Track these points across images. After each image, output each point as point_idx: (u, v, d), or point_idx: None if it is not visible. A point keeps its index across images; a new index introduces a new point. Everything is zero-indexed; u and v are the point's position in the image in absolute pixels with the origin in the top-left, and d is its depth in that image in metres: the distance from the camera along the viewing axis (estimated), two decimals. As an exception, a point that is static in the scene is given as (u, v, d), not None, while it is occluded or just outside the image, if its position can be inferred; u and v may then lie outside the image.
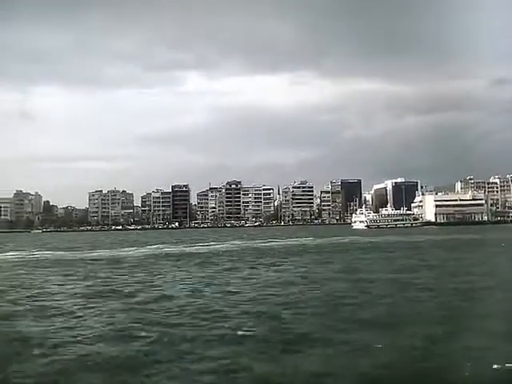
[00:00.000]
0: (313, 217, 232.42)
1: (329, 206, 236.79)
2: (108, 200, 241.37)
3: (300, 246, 59.21)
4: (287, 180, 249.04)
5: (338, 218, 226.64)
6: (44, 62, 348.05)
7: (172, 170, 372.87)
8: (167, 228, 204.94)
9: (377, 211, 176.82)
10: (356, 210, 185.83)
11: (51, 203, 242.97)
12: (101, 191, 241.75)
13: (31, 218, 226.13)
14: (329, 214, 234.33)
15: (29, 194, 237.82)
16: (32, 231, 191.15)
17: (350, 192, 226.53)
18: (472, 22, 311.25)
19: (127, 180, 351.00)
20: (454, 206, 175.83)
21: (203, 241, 76.67)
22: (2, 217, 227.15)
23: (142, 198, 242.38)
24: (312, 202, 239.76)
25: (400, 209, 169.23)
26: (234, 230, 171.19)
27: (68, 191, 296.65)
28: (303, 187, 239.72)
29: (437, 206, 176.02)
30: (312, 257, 43.98)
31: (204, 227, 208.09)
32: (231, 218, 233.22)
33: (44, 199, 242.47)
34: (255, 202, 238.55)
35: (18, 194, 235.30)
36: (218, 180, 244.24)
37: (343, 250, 51.03)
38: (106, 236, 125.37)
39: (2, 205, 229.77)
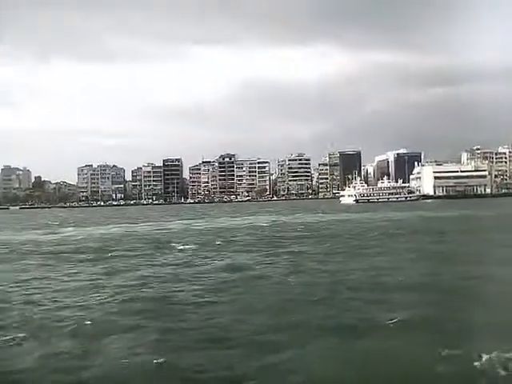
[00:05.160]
0: (309, 191, 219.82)
1: (326, 179, 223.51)
2: (98, 175, 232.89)
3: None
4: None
5: (336, 192, 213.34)
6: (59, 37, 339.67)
7: (181, 146, 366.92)
8: (151, 204, 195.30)
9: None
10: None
11: (43, 179, 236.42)
12: (91, 165, 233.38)
13: (18, 193, 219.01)
14: (326, 187, 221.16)
15: (17, 169, 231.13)
16: (10, 208, 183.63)
17: (350, 164, 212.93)
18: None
19: (135, 155, 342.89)
20: (454, 177, 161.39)
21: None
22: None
23: (133, 172, 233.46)
24: (309, 176, 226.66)
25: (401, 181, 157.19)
26: (217, 205, 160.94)
27: (64, 166, 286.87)
28: (299, 160, 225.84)
29: (435, 177, 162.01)
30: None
31: (190, 203, 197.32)
32: (224, 192, 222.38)
33: (35, 174, 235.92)
34: (249, 175, 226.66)
35: (6, 169, 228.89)
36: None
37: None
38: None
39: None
